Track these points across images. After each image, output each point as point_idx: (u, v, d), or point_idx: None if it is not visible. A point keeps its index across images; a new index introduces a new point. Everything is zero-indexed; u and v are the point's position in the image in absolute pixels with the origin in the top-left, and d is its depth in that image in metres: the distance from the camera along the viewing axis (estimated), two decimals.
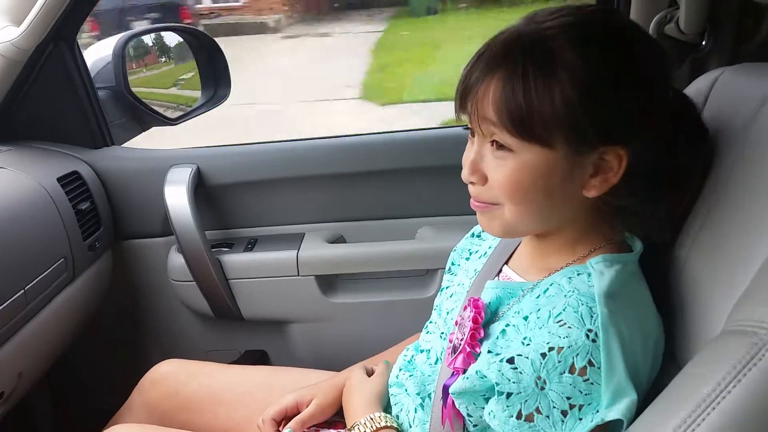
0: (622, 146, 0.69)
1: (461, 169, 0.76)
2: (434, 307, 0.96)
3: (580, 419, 0.65)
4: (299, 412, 0.97)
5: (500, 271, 0.86)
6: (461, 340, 0.77)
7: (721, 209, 0.74)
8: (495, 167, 0.72)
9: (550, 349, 0.66)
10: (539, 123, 0.67)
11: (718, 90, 0.88)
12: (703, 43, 1.14)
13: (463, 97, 0.73)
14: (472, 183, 0.74)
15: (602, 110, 0.67)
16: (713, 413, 0.50)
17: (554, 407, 0.65)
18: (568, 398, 0.65)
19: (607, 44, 0.69)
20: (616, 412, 0.64)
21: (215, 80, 1.76)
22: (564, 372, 0.65)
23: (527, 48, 0.68)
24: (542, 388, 0.66)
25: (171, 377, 1.14)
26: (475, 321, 0.76)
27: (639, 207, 0.74)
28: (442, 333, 0.89)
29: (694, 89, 0.93)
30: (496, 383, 0.68)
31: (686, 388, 0.55)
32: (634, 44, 0.71)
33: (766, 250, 0.62)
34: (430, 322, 0.95)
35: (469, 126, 0.75)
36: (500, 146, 0.70)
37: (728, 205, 0.73)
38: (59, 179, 1.30)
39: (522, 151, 0.69)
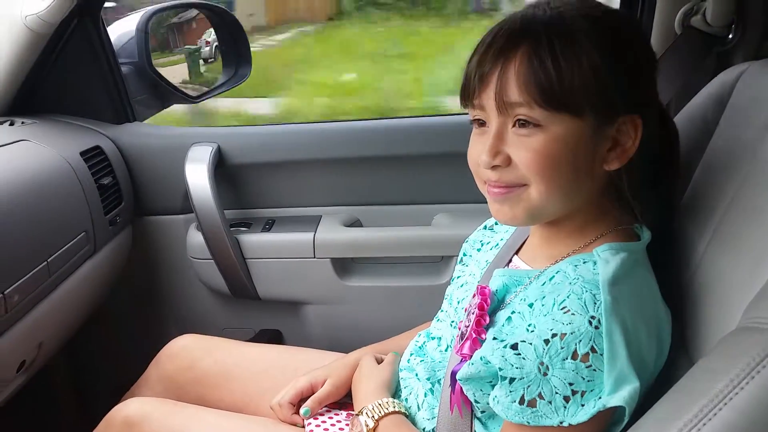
0: (639, 115, 0.72)
1: None
2: (445, 297, 0.97)
3: (583, 405, 0.66)
4: (313, 393, 0.99)
5: (510, 261, 0.87)
6: (468, 327, 0.78)
7: (742, 204, 0.74)
8: (520, 145, 0.72)
9: (554, 335, 0.66)
10: (570, 91, 0.68)
11: (743, 84, 0.87)
12: (730, 36, 1.12)
13: (478, 87, 0.73)
14: (493, 168, 0.73)
15: (626, 77, 0.71)
16: (726, 409, 0.51)
17: (557, 393, 0.66)
18: (571, 384, 0.66)
19: (616, 21, 0.74)
20: (618, 399, 0.65)
21: (236, 59, 1.76)
22: (566, 358, 0.66)
23: (547, 24, 0.70)
24: (545, 374, 0.66)
25: (187, 352, 1.16)
26: (480, 308, 0.77)
27: (646, 186, 0.76)
28: (453, 321, 0.90)
29: (718, 82, 0.92)
30: (499, 368, 0.69)
31: (699, 383, 0.55)
32: (635, 23, 0.81)
33: None
34: (441, 310, 0.96)
35: (479, 117, 0.76)
36: (524, 124, 0.71)
37: (749, 201, 0.73)
38: (82, 153, 1.31)
39: (551, 123, 0.70)
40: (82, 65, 1.44)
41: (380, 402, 0.88)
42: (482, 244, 0.97)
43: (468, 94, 0.75)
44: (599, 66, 0.69)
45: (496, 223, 0.98)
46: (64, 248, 1.17)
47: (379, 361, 0.98)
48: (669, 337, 0.74)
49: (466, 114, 0.79)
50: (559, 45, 0.69)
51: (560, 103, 0.69)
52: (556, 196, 0.73)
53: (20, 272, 1.03)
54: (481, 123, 0.76)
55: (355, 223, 1.48)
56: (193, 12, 1.90)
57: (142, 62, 1.64)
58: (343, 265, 1.45)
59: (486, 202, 0.79)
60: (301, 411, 0.96)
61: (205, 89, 1.81)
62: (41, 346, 1.16)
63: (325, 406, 0.99)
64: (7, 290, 0.99)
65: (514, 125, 0.72)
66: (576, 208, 0.77)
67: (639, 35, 0.78)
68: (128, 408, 1.01)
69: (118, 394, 1.19)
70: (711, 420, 0.51)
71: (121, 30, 1.65)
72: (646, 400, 0.65)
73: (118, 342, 1.57)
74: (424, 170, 1.44)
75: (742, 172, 0.76)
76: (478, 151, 0.75)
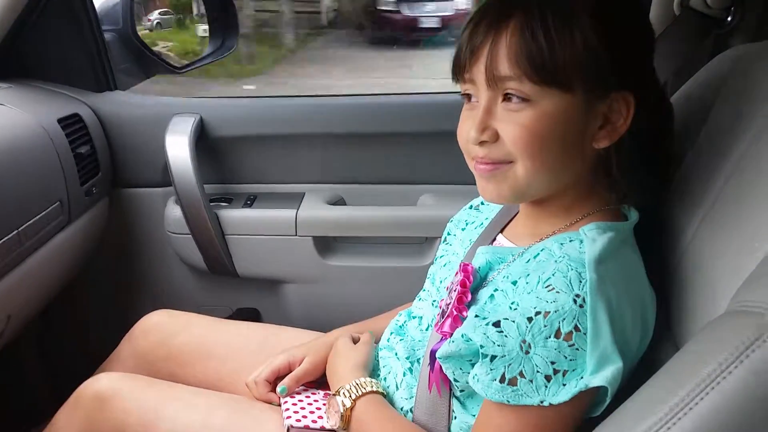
0: (631, 92, 0.70)
1: None
2: (428, 276, 0.96)
3: (564, 384, 0.64)
4: (290, 372, 0.96)
5: (494, 239, 0.86)
6: (449, 304, 0.76)
7: (736, 188, 0.72)
8: (509, 121, 0.70)
9: (537, 313, 0.65)
10: (561, 65, 0.67)
11: (740, 67, 0.85)
12: (729, 18, 1.10)
13: (469, 61, 0.71)
14: (481, 143, 0.72)
15: (619, 53, 0.69)
16: (713, 392, 0.49)
17: (538, 372, 0.65)
18: (553, 363, 0.64)
19: None
20: (600, 379, 0.64)
21: (224, 30, 1.72)
22: (549, 336, 0.64)
23: None
24: (527, 352, 0.65)
25: (162, 327, 1.13)
26: (462, 285, 0.75)
27: (636, 166, 0.74)
28: (434, 301, 0.88)
29: (716, 64, 0.91)
30: (480, 346, 0.68)
31: (686, 367, 0.53)
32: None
33: None
34: (423, 290, 0.95)
35: (469, 92, 0.74)
36: (513, 98, 0.69)
37: (743, 185, 0.71)
38: (59, 120, 1.27)
39: (540, 98, 0.68)
40: (62, 29, 1.40)
41: (357, 382, 0.86)
42: (467, 224, 0.95)
43: (459, 67, 0.74)
44: (592, 41, 0.67)
45: (482, 203, 0.97)
46: (36, 217, 1.13)
47: (355, 341, 0.97)
48: (654, 319, 0.73)
49: (455, 93, 0.78)
50: (551, 18, 0.67)
51: (551, 77, 0.67)
52: (542, 174, 0.72)
53: None
54: (471, 98, 0.74)
55: (339, 202, 1.46)
56: None
57: (126, 30, 1.60)
58: (326, 244, 1.42)
59: (472, 184, 0.77)
60: (278, 389, 0.94)
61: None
62: (9, 319, 1.12)
63: (302, 385, 0.97)
64: None
65: (503, 100, 0.70)
66: (563, 187, 0.75)
67: (637, 11, 0.76)
68: (98, 383, 0.98)
69: (89, 369, 1.16)
70: (698, 404, 0.49)
71: None
72: (630, 384, 0.63)
73: (91, 317, 1.54)
74: (410, 149, 1.41)
75: (736, 156, 0.75)
76: (467, 127, 0.74)
